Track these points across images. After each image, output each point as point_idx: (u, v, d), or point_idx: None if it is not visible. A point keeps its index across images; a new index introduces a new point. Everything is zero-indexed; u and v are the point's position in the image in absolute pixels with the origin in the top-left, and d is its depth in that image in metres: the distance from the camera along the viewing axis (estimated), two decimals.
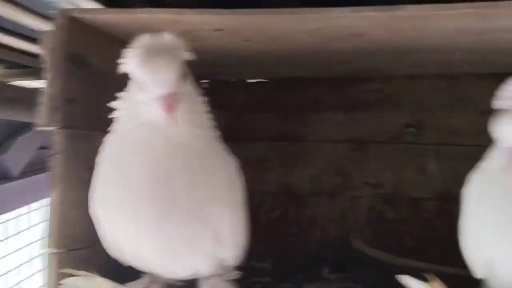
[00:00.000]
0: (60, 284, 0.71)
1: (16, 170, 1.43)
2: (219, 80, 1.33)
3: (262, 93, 1.33)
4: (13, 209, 1.46)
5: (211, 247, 0.70)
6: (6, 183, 1.37)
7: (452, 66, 1.10)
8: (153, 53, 0.60)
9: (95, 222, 0.71)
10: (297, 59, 1.00)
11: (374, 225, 1.25)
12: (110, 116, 0.68)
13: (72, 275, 0.71)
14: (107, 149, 0.68)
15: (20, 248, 1.53)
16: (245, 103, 1.33)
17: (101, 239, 0.72)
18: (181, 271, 0.72)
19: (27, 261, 1.52)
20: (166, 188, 0.63)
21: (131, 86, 0.65)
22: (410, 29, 0.76)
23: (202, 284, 0.74)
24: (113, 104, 0.67)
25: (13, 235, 1.51)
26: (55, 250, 0.72)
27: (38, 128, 0.71)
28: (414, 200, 1.23)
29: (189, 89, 0.66)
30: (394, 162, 1.26)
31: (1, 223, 1.49)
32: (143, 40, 0.62)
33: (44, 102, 0.70)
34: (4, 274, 1.45)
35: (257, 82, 1.33)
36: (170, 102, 0.58)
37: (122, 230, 0.67)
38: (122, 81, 0.79)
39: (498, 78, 0.68)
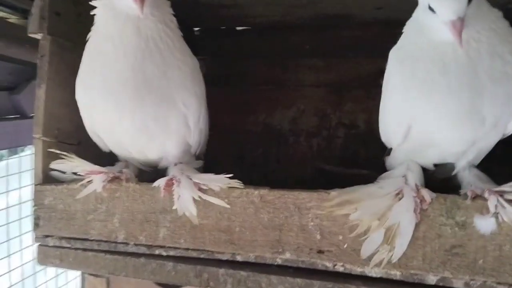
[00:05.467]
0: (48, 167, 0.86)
1: (29, 111, 1.59)
2: (210, 27, 1.46)
3: (247, 40, 1.44)
4: (27, 144, 1.62)
5: (180, 130, 0.84)
6: (21, 119, 1.54)
7: None
8: None
9: (82, 115, 0.85)
10: None
11: (347, 163, 1.35)
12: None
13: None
14: (89, 43, 0.81)
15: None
16: (232, 49, 1.45)
17: (86, 128, 0.86)
18: (154, 152, 0.86)
19: None
20: (140, 75, 0.77)
21: None
22: None
23: (171, 169, 0.86)
24: None
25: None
26: (43, 138, 0.86)
27: (29, 34, 0.85)
28: None
29: None
30: (367, 105, 1.35)
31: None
32: None
33: (34, 13, 0.85)
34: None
35: (243, 30, 1.45)
36: None
37: (103, 112, 0.80)
38: None
39: None
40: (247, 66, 1.44)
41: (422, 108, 0.72)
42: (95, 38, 0.80)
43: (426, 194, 0.69)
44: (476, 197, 0.68)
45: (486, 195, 0.67)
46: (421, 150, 0.77)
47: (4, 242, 1.49)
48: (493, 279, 0.66)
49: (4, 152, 1.64)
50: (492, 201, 0.66)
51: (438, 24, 0.66)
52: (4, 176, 1.56)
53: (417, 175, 0.74)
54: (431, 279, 0.69)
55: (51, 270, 1.67)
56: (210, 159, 1.40)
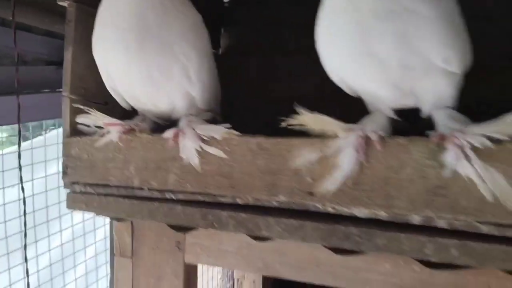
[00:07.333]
0: (75, 121, 0.96)
1: None
2: None
3: (276, 8, 1.48)
4: None
5: (183, 81, 0.90)
6: None
7: None
8: None
9: (100, 71, 0.93)
10: None
11: None
12: None
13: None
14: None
15: None
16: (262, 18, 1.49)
17: (106, 86, 0.95)
18: (163, 102, 0.93)
19: None
20: (142, 22, 0.84)
21: None
22: None
23: (182, 119, 0.92)
24: None
25: None
26: (70, 95, 0.96)
27: (58, 2, 0.95)
28: None
29: None
30: None
31: None
32: None
33: None
34: None
35: None
36: None
37: (115, 63, 0.89)
38: None
39: None
40: (277, 35, 1.48)
41: (330, 55, 0.76)
42: None
43: (372, 133, 0.71)
44: (442, 139, 0.68)
45: (448, 144, 0.67)
46: (366, 97, 0.80)
47: (43, 223, 1.60)
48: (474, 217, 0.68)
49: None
50: (451, 153, 0.67)
51: None
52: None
53: (377, 124, 0.76)
54: (416, 219, 0.72)
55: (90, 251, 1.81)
56: (238, 123, 1.48)
